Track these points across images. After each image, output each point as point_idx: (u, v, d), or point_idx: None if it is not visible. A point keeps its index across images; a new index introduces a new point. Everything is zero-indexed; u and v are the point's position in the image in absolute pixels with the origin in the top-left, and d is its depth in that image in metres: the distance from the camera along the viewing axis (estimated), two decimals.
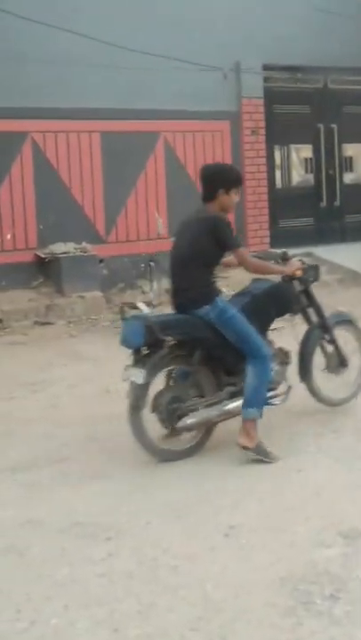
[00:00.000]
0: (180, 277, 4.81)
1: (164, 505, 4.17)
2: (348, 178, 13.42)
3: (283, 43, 11.80)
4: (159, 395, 4.80)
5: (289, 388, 5.14)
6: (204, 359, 4.78)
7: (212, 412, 4.78)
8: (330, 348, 5.51)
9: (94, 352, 8.05)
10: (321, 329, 5.45)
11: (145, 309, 4.75)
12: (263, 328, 5.02)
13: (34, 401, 6.40)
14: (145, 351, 4.68)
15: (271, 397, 5.01)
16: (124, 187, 11.05)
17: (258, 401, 4.75)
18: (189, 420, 4.71)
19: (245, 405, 4.73)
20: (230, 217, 4.97)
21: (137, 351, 4.69)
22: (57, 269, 10.09)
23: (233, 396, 4.86)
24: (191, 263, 4.72)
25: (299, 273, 5.19)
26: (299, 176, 13.02)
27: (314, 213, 12.96)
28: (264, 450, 4.73)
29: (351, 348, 5.66)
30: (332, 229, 13.06)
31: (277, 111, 12.41)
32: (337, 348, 5.50)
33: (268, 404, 4.96)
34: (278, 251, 5.84)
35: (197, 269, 4.73)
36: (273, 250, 10.63)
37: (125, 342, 4.69)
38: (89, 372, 7.28)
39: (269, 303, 5.05)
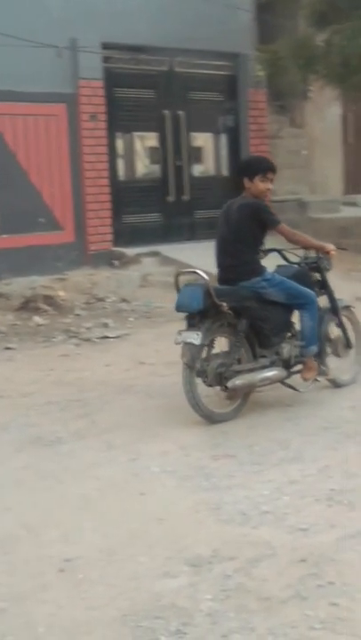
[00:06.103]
0: (228, 256, 6.02)
1: None
2: (198, 170, 13.67)
3: (124, 19, 11.89)
4: (204, 360, 5.78)
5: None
6: (246, 330, 5.89)
7: (256, 377, 5.92)
8: (337, 332, 6.60)
9: None
10: (332, 313, 6.54)
11: (205, 276, 5.69)
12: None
13: None
14: (198, 317, 5.68)
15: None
16: None
17: (315, 338, 6.20)
18: (238, 382, 5.77)
19: (307, 345, 6.15)
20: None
21: (191, 316, 5.69)
22: None
23: (270, 366, 6.03)
24: (239, 244, 5.95)
25: (333, 252, 6.38)
26: (144, 167, 13.15)
27: (161, 208, 13.11)
28: (323, 370, 6.31)
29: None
30: (180, 226, 13.26)
31: (119, 95, 12.48)
32: (344, 331, 6.61)
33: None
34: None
35: (246, 248, 5.97)
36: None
37: (183, 306, 5.73)
38: None
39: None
